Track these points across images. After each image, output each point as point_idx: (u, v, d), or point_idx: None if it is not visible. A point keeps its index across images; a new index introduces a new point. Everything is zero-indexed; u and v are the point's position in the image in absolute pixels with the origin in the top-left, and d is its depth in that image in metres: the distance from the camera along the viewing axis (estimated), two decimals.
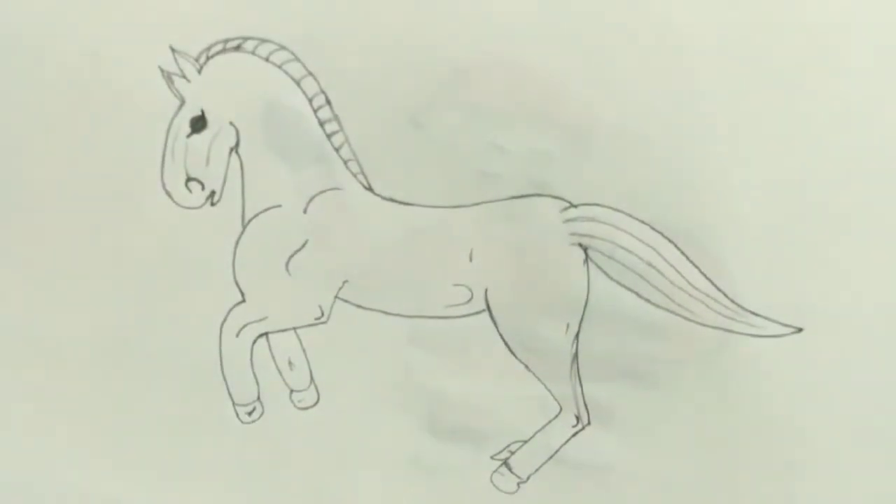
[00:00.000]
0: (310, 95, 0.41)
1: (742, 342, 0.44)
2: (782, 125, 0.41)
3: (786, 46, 0.40)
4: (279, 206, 0.44)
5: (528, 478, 0.49)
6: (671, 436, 0.47)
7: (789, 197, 0.42)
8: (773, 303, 0.44)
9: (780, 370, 0.45)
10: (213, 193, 0.43)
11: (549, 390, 0.47)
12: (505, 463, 0.49)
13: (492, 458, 0.48)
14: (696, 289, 0.44)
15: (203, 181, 0.43)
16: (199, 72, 0.41)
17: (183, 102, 0.42)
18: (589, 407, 0.47)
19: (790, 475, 0.47)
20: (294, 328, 0.46)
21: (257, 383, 0.47)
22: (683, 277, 0.44)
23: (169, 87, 0.41)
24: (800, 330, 0.44)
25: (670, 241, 0.43)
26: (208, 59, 0.41)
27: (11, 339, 0.45)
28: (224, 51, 0.41)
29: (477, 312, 0.46)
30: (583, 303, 0.45)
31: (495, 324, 0.46)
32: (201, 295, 0.45)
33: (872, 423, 0.46)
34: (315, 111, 0.42)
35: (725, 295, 0.44)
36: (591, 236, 0.44)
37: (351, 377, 0.48)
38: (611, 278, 0.44)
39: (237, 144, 0.43)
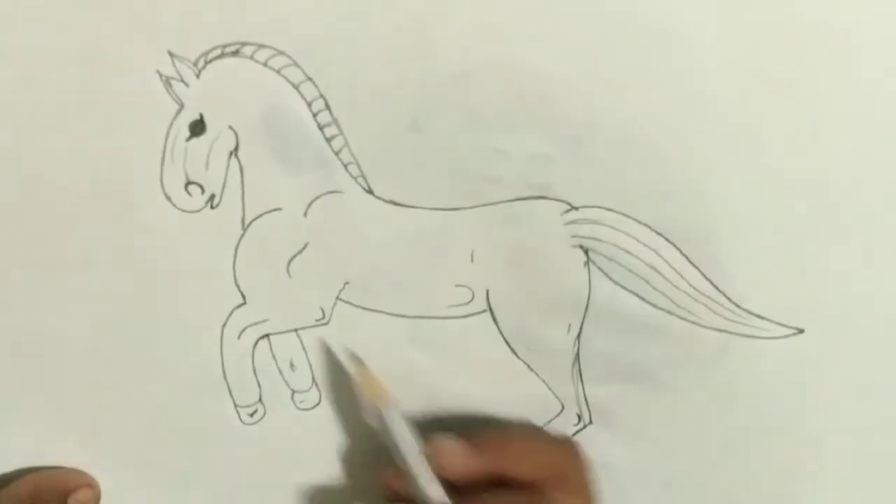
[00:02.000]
0: (309, 100, 0.41)
1: (743, 343, 0.45)
2: (783, 127, 0.41)
3: (787, 48, 0.40)
4: (279, 209, 0.44)
5: None
6: (672, 436, 0.47)
7: (790, 199, 0.42)
8: (774, 305, 0.44)
9: (782, 371, 0.45)
10: (212, 197, 0.43)
11: (550, 389, 0.47)
12: None
13: None
14: (698, 291, 0.44)
15: (203, 184, 0.43)
16: (198, 76, 0.41)
17: (182, 107, 0.41)
18: (590, 406, 0.47)
19: (791, 476, 0.47)
20: (296, 330, 0.46)
21: (259, 385, 0.47)
22: (685, 279, 0.44)
23: (168, 91, 0.41)
24: (801, 331, 0.44)
25: (671, 243, 0.43)
26: (206, 63, 0.41)
27: (12, 341, 0.45)
28: (222, 56, 0.41)
29: (478, 312, 0.46)
30: (584, 304, 0.45)
31: (497, 324, 0.46)
32: (202, 298, 0.45)
33: (873, 424, 0.46)
34: (314, 115, 0.42)
35: (727, 297, 0.44)
36: (593, 238, 0.44)
37: (353, 378, 0.48)
38: (612, 280, 0.44)
39: (237, 148, 0.42)
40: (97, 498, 0.46)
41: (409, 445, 0.43)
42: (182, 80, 0.41)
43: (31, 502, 0.45)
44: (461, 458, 0.42)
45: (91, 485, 0.46)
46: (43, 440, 0.47)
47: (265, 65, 0.41)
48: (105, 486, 0.47)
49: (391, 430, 0.43)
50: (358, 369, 0.45)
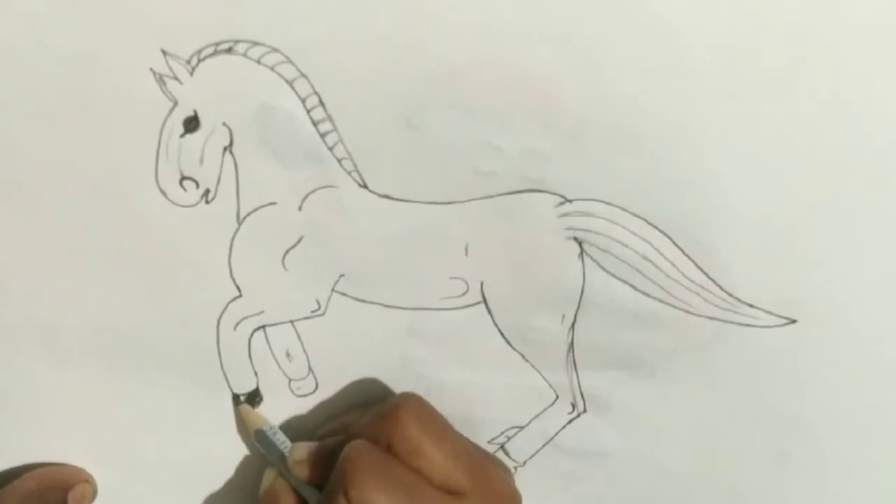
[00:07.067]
0: (303, 96, 0.41)
1: (736, 332, 0.45)
2: (775, 118, 0.41)
3: (777, 43, 0.40)
4: (274, 203, 0.44)
5: (525, 462, 0.49)
6: (666, 424, 0.48)
7: (782, 190, 0.42)
8: (766, 294, 0.44)
9: (774, 360, 0.45)
10: (207, 192, 0.43)
11: (545, 379, 0.47)
12: (502, 447, 0.49)
13: (489, 442, 0.49)
14: (691, 281, 0.44)
15: (197, 180, 0.43)
16: (191, 74, 0.41)
17: (175, 104, 0.41)
18: (585, 395, 0.47)
19: (783, 463, 0.48)
20: (291, 321, 0.47)
21: (256, 374, 0.47)
22: (678, 270, 0.44)
23: (161, 88, 0.41)
24: (793, 321, 0.45)
25: (665, 234, 0.43)
26: (200, 61, 0.40)
27: (10, 334, 0.45)
28: (215, 53, 0.40)
29: (473, 304, 0.46)
30: (578, 295, 0.45)
31: (491, 316, 0.46)
32: (198, 291, 0.45)
33: (864, 412, 0.47)
34: (308, 111, 0.42)
35: (720, 287, 0.44)
36: (586, 230, 0.44)
37: (349, 367, 0.48)
38: (606, 271, 0.45)
39: (231, 144, 0.42)
40: (94, 493, 0.47)
41: (279, 459, 0.46)
42: (175, 78, 0.41)
43: (36, 498, 0.45)
44: (308, 469, 0.44)
45: (88, 480, 0.47)
46: (42, 436, 0.47)
47: (258, 62, 0.41)
48: (104, 479, 0.48)
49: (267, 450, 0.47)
50: (238, 407, 0.48)
